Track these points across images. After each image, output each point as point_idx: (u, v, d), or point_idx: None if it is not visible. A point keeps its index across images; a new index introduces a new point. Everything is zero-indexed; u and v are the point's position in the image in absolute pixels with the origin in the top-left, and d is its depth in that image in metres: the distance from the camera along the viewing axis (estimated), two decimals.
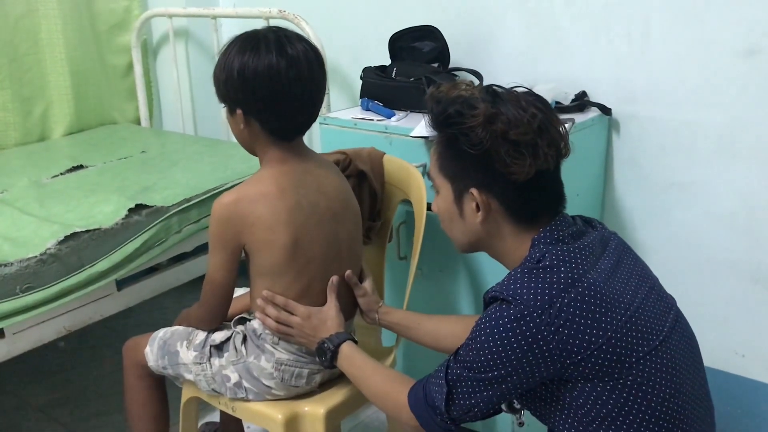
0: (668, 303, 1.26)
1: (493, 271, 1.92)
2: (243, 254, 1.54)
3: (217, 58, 1.49)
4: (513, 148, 1.16)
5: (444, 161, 1.26)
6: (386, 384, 1.40)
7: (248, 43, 1.44)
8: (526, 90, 1.24)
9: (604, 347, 1.11)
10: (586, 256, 1.17)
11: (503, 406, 1.33)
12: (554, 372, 1.13)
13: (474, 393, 1.19)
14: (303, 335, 1.51)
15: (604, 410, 1.13)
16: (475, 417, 1.22)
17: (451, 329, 1.56)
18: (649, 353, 1.14)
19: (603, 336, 1.10)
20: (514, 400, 1.31)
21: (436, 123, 1.25)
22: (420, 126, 1.95)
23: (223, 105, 1.51)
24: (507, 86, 1.24)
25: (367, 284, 1.66)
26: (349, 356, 1.47)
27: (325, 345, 1.48)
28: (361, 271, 1.68)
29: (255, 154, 1.55)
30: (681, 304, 1.29)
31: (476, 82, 2.12)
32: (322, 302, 1.55)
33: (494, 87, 1.23)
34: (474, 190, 1.22)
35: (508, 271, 1.25)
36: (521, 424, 1.38)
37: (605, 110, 2.07)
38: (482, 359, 1.15)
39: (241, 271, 1.56)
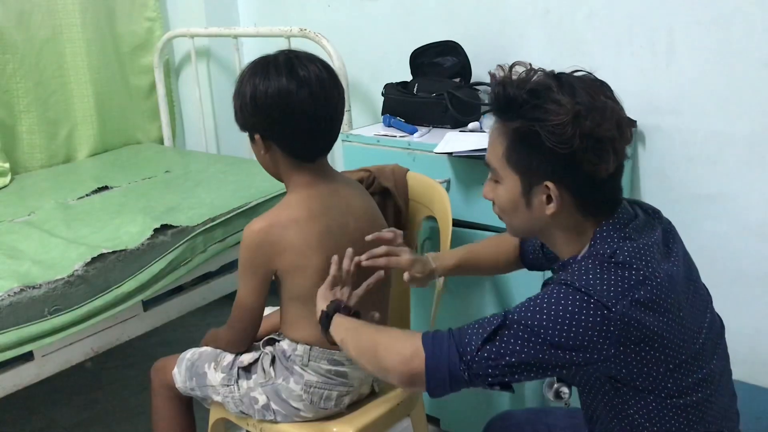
0: (705, 300, 1.24)
1: (520, 286, 1.90)
2: (273, 277, 1.53)
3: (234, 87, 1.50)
4: (599, 146, 1.12)
5: (515, 154, 1.17)
6: (389, 335, 1.28)
7: (258, 67, 1.45)
8: (587, 74, 1.18)
9: (661, 348, 1.10)
10: (654, 253, 1.15)
11: (550, 395, 1.31)
12: (605, 360, 1.11)
13: (519, 343, 1.11)
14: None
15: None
16: (496, 372, 1.13)
17: (504, 243, 1.54)
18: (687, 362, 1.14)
19: (661, 336, 1.10)
20: (562, 389, 1.28)
21: (505, 111, 1.17)
22: (444, 141, 1.94)
23: (247, 133, 1.52)
24: (567, 71, 1.18)
25: (405, 255, 1.53)
26: (341, 322, 1.36)
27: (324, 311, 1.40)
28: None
29: (282, 180, 1.55)
30: None
31: None
32: None
33: (560, 74, 1.17)
34: (549, 184, 1.15)
35: (534, 285, 1.23)
36: (567, 404, 1.37)
37: (630, 122, 2.05)
38: (544, 322, 1.10)
39: (270, 290, 1.56)
